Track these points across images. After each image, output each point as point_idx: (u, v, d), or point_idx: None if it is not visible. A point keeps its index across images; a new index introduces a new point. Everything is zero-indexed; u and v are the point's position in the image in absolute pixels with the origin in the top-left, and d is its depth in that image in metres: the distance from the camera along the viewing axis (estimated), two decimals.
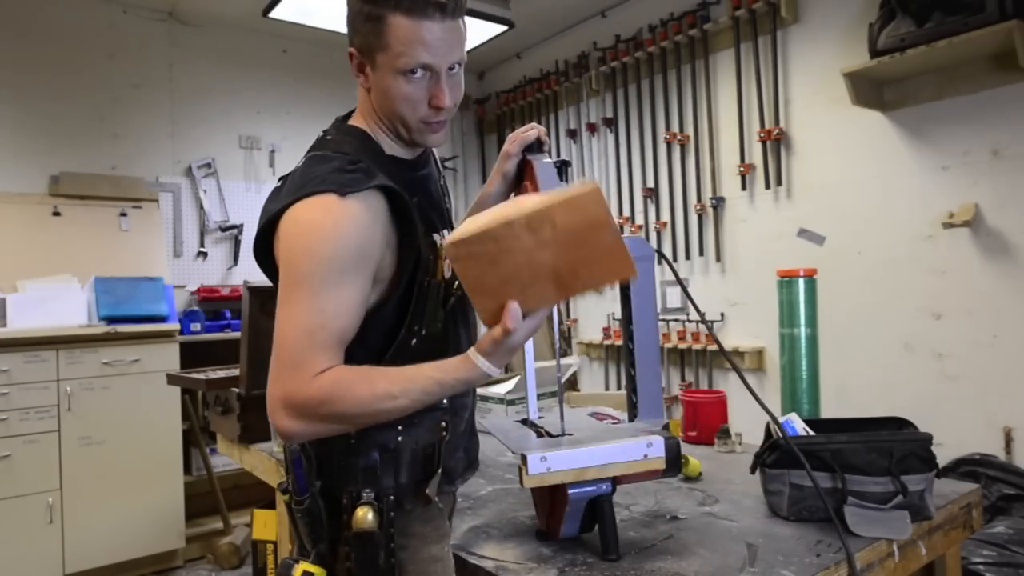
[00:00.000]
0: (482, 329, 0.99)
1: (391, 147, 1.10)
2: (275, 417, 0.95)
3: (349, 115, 1.15)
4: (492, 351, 0.94)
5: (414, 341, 1.05)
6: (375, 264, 1.00)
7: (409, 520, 1.05)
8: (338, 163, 1.00)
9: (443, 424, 1.09)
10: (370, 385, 0.94)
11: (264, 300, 2.09)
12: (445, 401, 1.09)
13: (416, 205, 1.04)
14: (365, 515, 1.00)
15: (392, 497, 1.03)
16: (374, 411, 0.95)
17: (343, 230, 0.95)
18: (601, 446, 1.13)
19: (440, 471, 1.07)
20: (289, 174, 1.07)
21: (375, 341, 1.03)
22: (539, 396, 1.48)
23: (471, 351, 0.96)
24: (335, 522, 1.03)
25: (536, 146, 1.26)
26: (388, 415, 0.96)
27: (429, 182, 1.16)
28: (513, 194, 1.33)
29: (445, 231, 1.12)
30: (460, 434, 1.16)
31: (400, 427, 1.05)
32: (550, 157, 1.24)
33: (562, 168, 1.24)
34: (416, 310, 1.04)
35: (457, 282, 1.07)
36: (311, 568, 1.02)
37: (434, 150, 1.23)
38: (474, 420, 1.24)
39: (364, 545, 1.00)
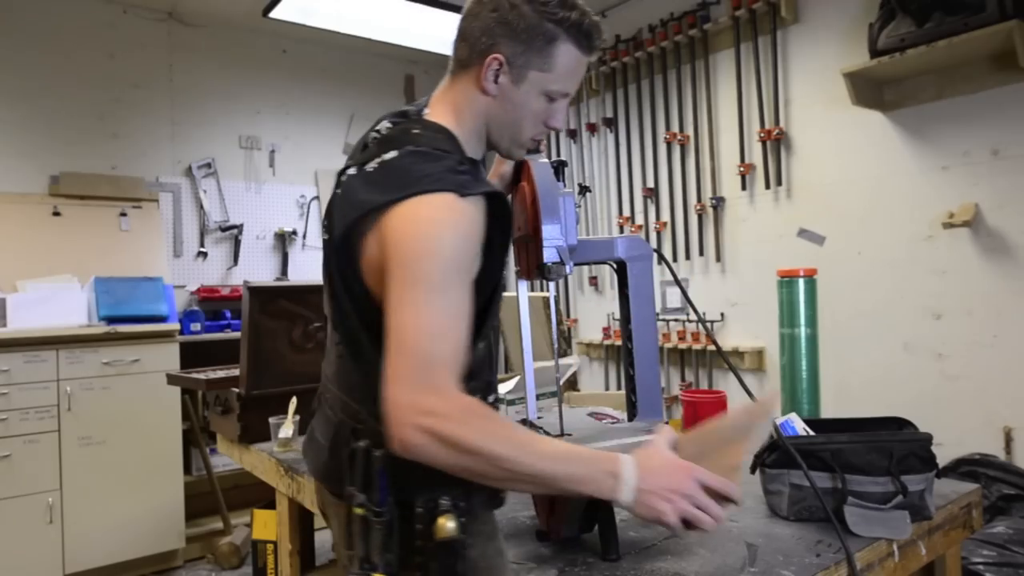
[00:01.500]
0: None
1: (468, 148, 1.07)
2: (401, 428, 0.84)
3: (418, 109, 1.10)
4: (655, 494, 0.89)
5: (483, 345, 1.02)
6: (478, 270, 0.97)
7: (476, 519, 1.02)
8: (448, 162, 0.97)
9: None
10: (513, 432, 0.87)
11: (264, 300, 2.09)
12: (491, 399, 1.07)
13: (509, 218, 1.03)
14: (446, 523, 0.94)
15: (463, 503, 0.98)
16: (515, 474, 0.86)
17: (465, 231, 0.92)
18: (600, 445, 1.12)
19: None
20: (373, 165, 1.00)
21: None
22: (538, 396, 1.48)
23: (626, 460, 0.89)
24: (407, 531, 0.97)
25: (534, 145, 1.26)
26: (514, 474, 0.86)
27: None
28: (510, 196, 1.33)
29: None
30: None
31: None
32: (547, 157, 1.24)
33: (559, 168, 1.24)
34: (488, 316, 1.01)
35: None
36: None
37: None
38: None
39: (446, 553, 0.95)
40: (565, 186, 1.22)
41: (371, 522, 0.95)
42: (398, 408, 0.84)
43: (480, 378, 1.03)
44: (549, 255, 1.15)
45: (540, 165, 1.20)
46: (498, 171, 1.30)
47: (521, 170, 1.27)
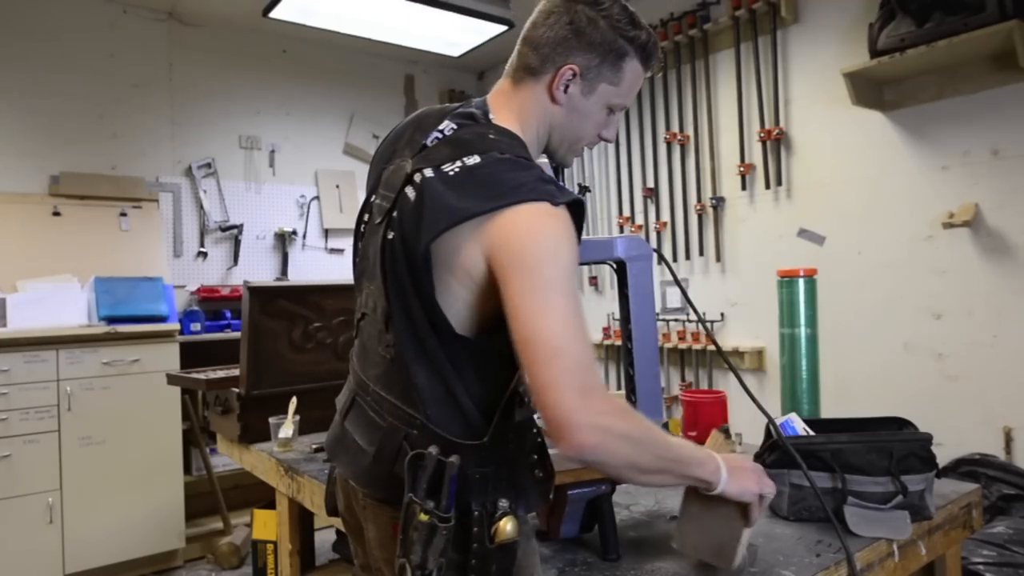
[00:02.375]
0: None
1: (532, 154, 1.09)
2: (579, 431, 0.85)
3: (483, 112, 1.10)
4: (739, 473, 1.04)
5: None
6: None
7: (522, 523, 1.02)
8: (536, 171, 0.99)
9: (535, 429, 1.05)
10: (651, 424, 0.94)
11: (264, 300, 2.09)
12: (527, 399, 1.06)
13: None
14: (506, 526, 0.95)
15: (515, 506, 0.99)
16: (662, 459, 0.94)
17: (572, 240, 0.94)
18: None
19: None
20: (454, 169, 0.99)
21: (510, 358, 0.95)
22: None
23: (717, 459, 1.03)
24: (465, 536, 0.97)
25: None
26: (642, 479, 0.95)
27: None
28: None
29: None
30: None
31: (511, 434, 1.01)
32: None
33: (558, 169, 1.24)
34: None
35: None
36: None
37: None
38: None
39: (504, 555, 0.96)
40: (566, 186, 1.22)
41: (437, 528, 0.94)
42: (572, 412, 0.85)
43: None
44: None
45: (540, 164, 1.20)
46: None
47: None
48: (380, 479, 1.04)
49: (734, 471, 1.03)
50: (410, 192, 1.01)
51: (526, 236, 0.92)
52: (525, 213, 0.93)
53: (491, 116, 1.09)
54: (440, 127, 1.08)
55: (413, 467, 0.96)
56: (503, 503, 0.96)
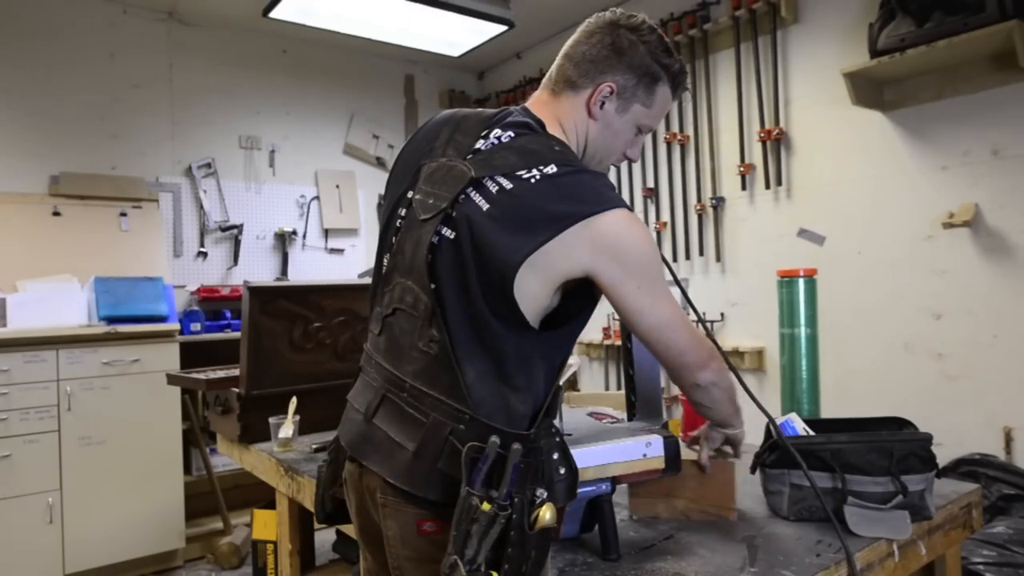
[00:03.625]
0: None
1: None
2: (703, 372, 1.12)
3: (537, 122, 1.13)
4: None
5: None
6: None
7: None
8: (607, 181, 1.08)
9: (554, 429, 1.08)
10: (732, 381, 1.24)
11: (264, 300, 2.09)
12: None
13: None
14: (545, 513, 0.97)
15: (548, 493, 1.01)
16: (731, 393, 1.23)
17: (654, 241, 1.14)
18: (600, 446, 1.13)
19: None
20: (534, 177, 1.03)
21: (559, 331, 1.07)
22: None
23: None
24: (506, 525, 0.97)
25: None
26: (725, 405, 1.23)
27: None
28: None
29: None
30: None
31: (543, 427, 1.04)
32: None
33: None
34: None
35: None
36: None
37: None
38: None
39: (543, 540, 0.98)
40: None
41: (497, 517, 0.95)
42: (702, 358, 1.11)
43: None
44: None
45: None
46: None
47: None
48: (421, 475, 1.03)
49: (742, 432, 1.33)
50: (479, 198, 1.03)
51: (630, 239, 1.02)
52: (618, 218, 1.02)
53: (545, 127, 1.13)
54: (494, 134, 1.11)
55: (470, 460, 0.96)
56: (540, 492, 0.98)
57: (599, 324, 4.10)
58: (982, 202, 2.61)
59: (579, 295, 1.05)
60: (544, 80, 1.20)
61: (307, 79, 4.46)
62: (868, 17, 2.77)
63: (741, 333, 3.43)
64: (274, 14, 3.38)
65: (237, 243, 4.17)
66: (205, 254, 4.10)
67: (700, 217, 3.60)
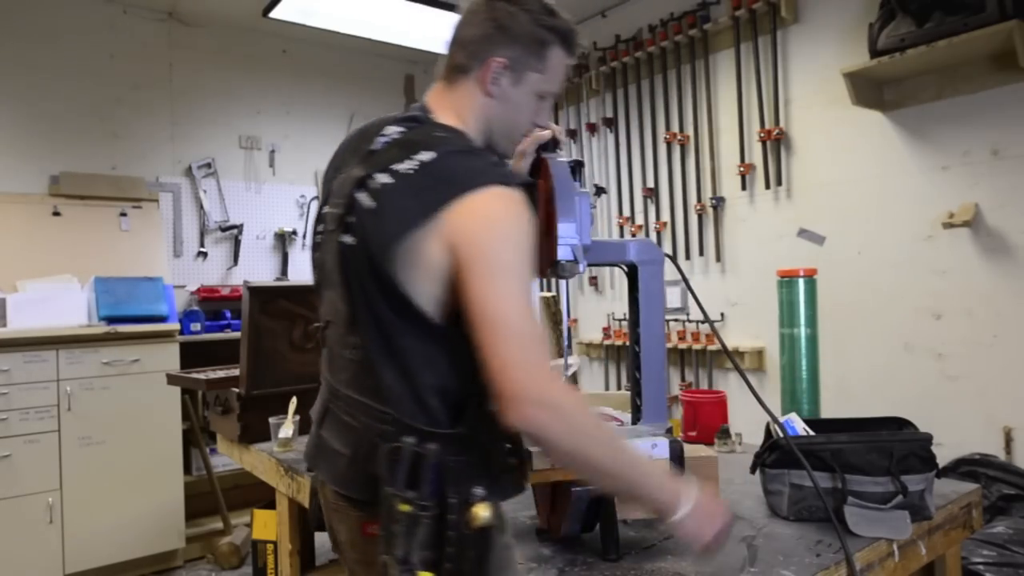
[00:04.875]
0: None
1: None
2: (524, 406, 0.90)
3: (424, 114, 1.13)
4: (699, 513, 0.99)
5: None
6: None
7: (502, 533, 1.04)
8: (488, 158, 1.04)
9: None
10: (610, 430, 0.99)
11: (264, 300, 2.09)
12: None
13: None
14: (481, 512, 0.97)
15: (490, 494, 1.00)
16: (614, 458, 0.95)
17: (525, 220, 0.99)
18: None
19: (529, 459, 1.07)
20: (411, 167, 1.01)
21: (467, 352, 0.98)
22: None
23: (688, 491, 0.99)
24: (441, 524, 0.98)
25: (551, 144, 1.27)
26: (608, 471, 0.96)
27: None
28: None
29: None
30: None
31: (490, 423, 1.02)
32: (565, 156, 1.25)
33: (576, 168, 1.24)
34: None
35: None
36: (429, 574, 0.97)
37: None
38: None
39: (480, 541, 0.97)
40: (582, 186, 1.23)
41: (419, 518, 0.96)
42: (526, 387, 0.90)
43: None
44: (564, 253, 1.15)
45: (558, 164, 1.20)
46: (516, 168, 1.32)
47: (538, 168, 1.27)
48: (357, 479, 1.05)
49: (699, 512, 1.00)
50: (364, 197, 1.02)
51: (483, 221, 0.96)
52: (481, 199, 0.97)
53: (433, 116, 1.12)
54: (386, 132, 1.10)
55: (390, 460, 0.97)
56: (478, 490, 0.97)
57: (599, 324, 4.10)
58: (982, 202, 2.61)
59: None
60: (438, 70, 1.18)
61: (307, 79, 4.46)
62: (868, 17, 2.77)
63: (741, 333, 3.43)
64: (274, 14, 3.38)
65: (237, 243, 4.17)
66: (205, 254, 4.10)
67: (700, 217, 3.60)
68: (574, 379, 4.12)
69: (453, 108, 1.13)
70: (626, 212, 4.00)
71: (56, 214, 3.56)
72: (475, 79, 1.11)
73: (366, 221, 1.01)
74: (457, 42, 1.14)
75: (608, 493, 1.01)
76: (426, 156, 1.01)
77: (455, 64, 1.13)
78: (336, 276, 1.06)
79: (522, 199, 0.99)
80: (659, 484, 0.99)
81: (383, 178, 1.02)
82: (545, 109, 1.18)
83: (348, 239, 1.04)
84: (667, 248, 3.74)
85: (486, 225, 0.96)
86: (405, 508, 0.95)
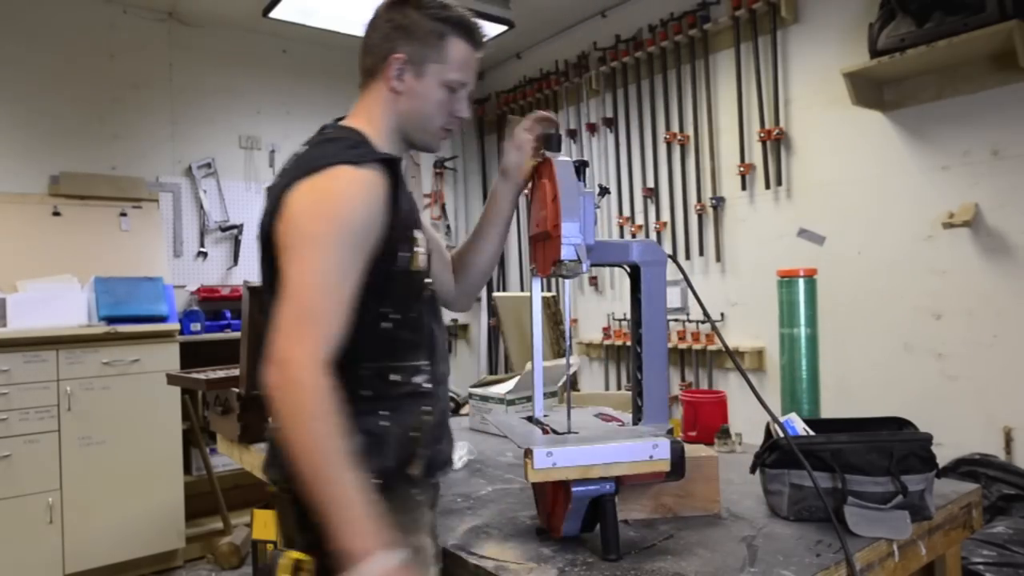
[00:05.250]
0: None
1: (385, 145, 1.17)
2: (268, 366, 0.95)
3: (333, 120, 1.24)
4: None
5: (387, 324, 1.10)
6: (378, 235, 1.06)
7: (389, 512, 1.00)
8: (345, 143, 1.10)
9: (426, 409, 1.13)
10: (331, 436, 0.93)
11: (264, 300, 2.09)
12: (428, 385, 1.13)
13: (404, 191, 1.13)
14: None
15: (379, 481, 1.01)
16: (308, 448, 0.93)
17: (360, 195, 1.02)
18: (607, 445, 1.13)
19: (427, 452, 1.10)
20: (289, 163, 1.14)
21: (354, 317, 1.03)
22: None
23: (382, 553, 0.92)
24: (299, 504, 1.00)
25: (555, 143, 1.28)
26: (305, 464, 0.93)
27: (407, 183, 1.22)
28: (526, 193, 1.36)
29: (418, 232, 1.17)
30: (439, 424, 1.19)
31: (384, 412, 1.08)
32: (568, 156, 1.25)
33: (580, 169, 1.24)
34: (389, 290, 1.09)
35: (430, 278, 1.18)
36: (299, 556, 1.00)
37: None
38: (447, 418, 1.26)
39: None
40: (586, 186, 1.23)
41: (281, 497, 1.02)
42: (274, 348, 0.95)
43: (405, 359, 1.10)
44: (567, 252, 1.16)
45: (562, 163, 1.21)
46: (507, 167, 1.35)
47: (541, 167, 1.28)
48: (268, 464, 1.14)
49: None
50: (264, 205, 1.14)
51: (306, 198, 1.03)
52: (318, 178, 1.03)
53: (342, 123, 1.20)
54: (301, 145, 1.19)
55: (269, 445, 1.07)
56: None
57: (599, 324, 4.10)
58: (982, 202, 2.61)
59: None
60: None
61: (307, 79, 4.46)
62: (868, 17, 2.77)
63: (741, 333, 3.43)
64: (274, 14, 3.37)
65: (237, 243, 4.17)
66: (205, 254, 4.10)
67: (700, 217, 3.60)
68: (573, 380, 4.12)
69: (364, 110, 1.20)
70: (626, 212, 4.00)
71: (56, 214, 3.56)
72: (381, 79, 1.18)
73: (262, 222, 1.12)
74: (363, 50, 1.21)
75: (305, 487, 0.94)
76: (302, 149, 1.14)
77: (364, 69, 1.21)
78: (265, 286, 1.17)
79: (366, 175, 1.04)
80: (353, 523, 0.91)
81: (274, 182, 1.14)
82: (461, 100, 1.22)
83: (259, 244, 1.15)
84: (667, 248, 3.74)
85: (308, 200, 1.02)
86: (271, 488, 1.03)
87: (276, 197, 1.07)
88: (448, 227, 5.13)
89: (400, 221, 1.09)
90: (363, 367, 1.07)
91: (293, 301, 0.97)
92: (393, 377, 1.09)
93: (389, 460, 1.07)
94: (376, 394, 1.08)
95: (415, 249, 1.12)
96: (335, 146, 1.09)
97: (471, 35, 1.20)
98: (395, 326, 1.10)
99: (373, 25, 1.20)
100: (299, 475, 0.94)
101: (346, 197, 1.02)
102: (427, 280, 1.17)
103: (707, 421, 1.94)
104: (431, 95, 1.18)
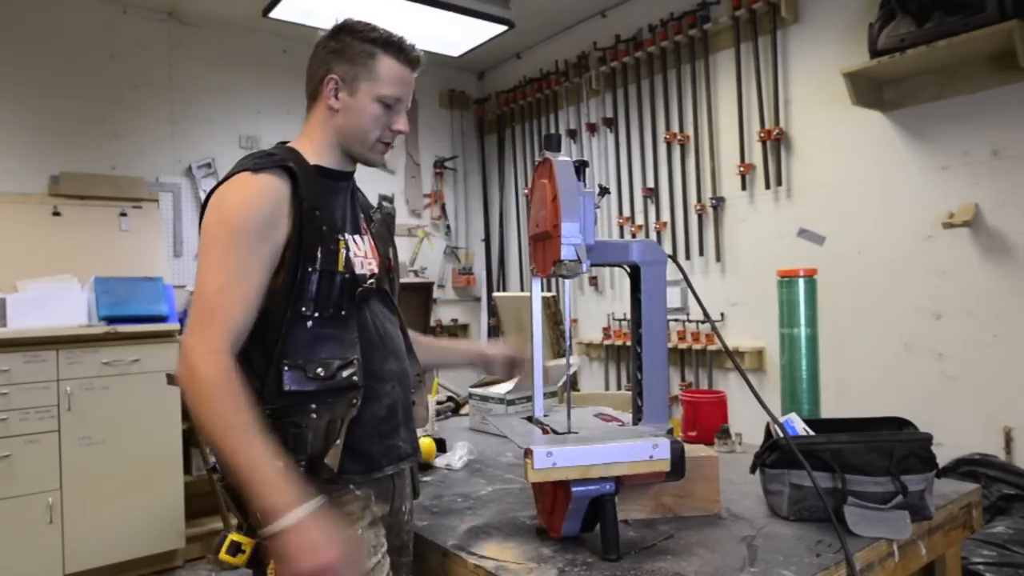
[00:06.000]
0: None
1: (320, 159, 1.25)
2: (180, 358, 1.05)
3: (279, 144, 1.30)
4: (301, 536, 1.00)
5: (309, 323, 1.16)
6: (281, 236, 1.14)
7: (325, 505, 1.07)
8: (257, 155, 1.20)
9: (353, 402, 1.16)
10: (233, 411, 1.03)
11: None
12: (357, 378, 1.17)
13: (319, 196, 1.19)
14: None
15: (303, 468, 1.10)
16: (214, 424, 1.03)
17: (254, 198, 1.12)
18: (607, 445, 1.13)
19: (340, 444, 1.13)
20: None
21: (274, 316, 1.14)
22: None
23: (297, 506, 1.00)
24: (231, 490, 1.10)
25: (555, 143, 1.28)
26: (216, 440, 1.03)
27: (347, 194, 1.31)
28: (525, 192, 1.38)
29: (353, 236, 1.26)
30: (380, 419, 1.22)
31: (314, 405, 1.13)
32: (568, 157, 1.25)
33: (580, 169, 1.24)
34: (305, 291, 1.15)
35: (372, 277, 1.26)
36: (238, 538, 1.09)
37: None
38: (407, 414, 1.30)
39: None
40: (586, 186, 1.23)
41: (215, 482, 1.08)
42: (182, 346, 1.07)
43: (331, 355, 1.15)
44: (567, 252, 1.16)
45: (562, 163, 1.21)
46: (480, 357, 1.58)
47: (542, 166, 1.28)
48: None
49: (302, 536, 0.98)
50: None
51: (210, 209, 1.15)
52: (223, 188, 1.15)
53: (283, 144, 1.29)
54: None
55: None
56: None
57: (599, 324, 4.11)
58: (982, 202, 2.61)
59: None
60: None
61: None
62: (868, 17, 2.77)
63: (741, 333, 3.43)
64: (274, 14, 3.37)
65: None
66: None
67: (700, 217, 3.60)
68: (573, 379, 4.12)
69: (306, 131, 1.28)
70: (626, 212, 4.00)
71: (56, 214, 3.56)
72: (320, 100, 1.26)
73: None
74: (307, 77, 1.30)
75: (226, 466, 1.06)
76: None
77: (307, 94, 1.29)
78: None
79: (262, 179, 1.14)
80: (264, 483, 1.00)
81: None
82: (398, 114, 1.28)
83: None
84: (667, 248, 3.74)
85: (212, 208, 1.14)
86: (215, 477, 1.15)
87: (202, 206, 1.19)
88: (448, 227, 5.13)
89: (312, 222, 1.16)
90: (287, 362, 1.14)
91: (196, 302, 1.10)
92: (318, 371, 1.14)
93: (309, 449, 1.12)
94: (300, 388, 1.13)
95: (340, 250, 1.19)
96: (248, 159, 1.19)
97: (401, 52, 1.26)
98: (315, 324, 1.16)
99: (313, 55, 1.29)
100: (217, 454, 1.05)
101: (240, 199, 1.12)
102: (367, 280, 1.24)
103: (707, 421, 1.94)
104: (366, 109, 1.25)
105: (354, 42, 1.25)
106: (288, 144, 1.27)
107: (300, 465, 1.10)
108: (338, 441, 1.13)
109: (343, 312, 1.18)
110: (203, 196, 4.04)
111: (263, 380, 1.13)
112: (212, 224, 1.13)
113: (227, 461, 1.02)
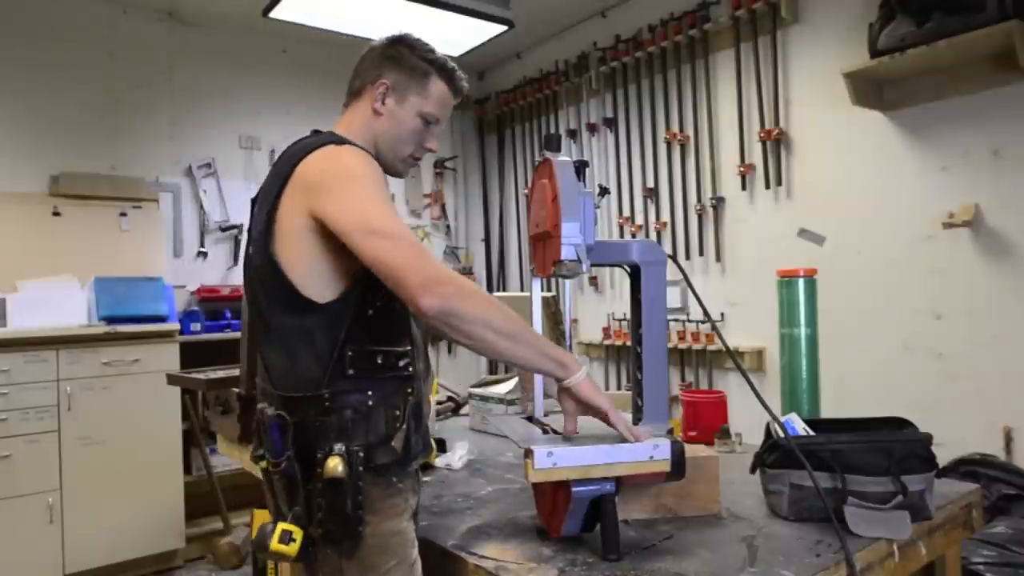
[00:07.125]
0: None
1: None
2: (434, 286, 1.01)
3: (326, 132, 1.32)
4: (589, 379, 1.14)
5: (371, 311, 1.16)
6: None
7: (370, 498, 1.11)
8: (336, 136, 1.23)
9: (409, 390, 1.19)
10: (509, 311, 1.08)
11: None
12: (413, 368, 1.20)
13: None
14: (336, 464, 1.07)
15: (361, 453, 1.11)
16: (501, 327, 1.05)
17: (376, 167, 1.17)
18: (607, 445, 1.13)
19: (406, 427, 1.16)
20: (282, 158, 1.25)
21: (348, 300, 1.14)
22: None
23: (580, 367, 1.13)
24: (309, 482, 1.10)
25: (555, 143, 1.28)
26: (499, 341, 1.06)
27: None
28: (525, 192, 1.38)
29: None
30: (418, 414, 1.23)
31: (371, 392, 1.14)
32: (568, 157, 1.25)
33: (580, 169, 1.24)
34: (379, 279, 1.12)
35: None
36: (289, 527, 1.08)
37: None
38: (427, 411, 1.31)
39: (334, 492, 1.07)
40: (586, 186, 1.23)
41: (270, 474, 1.12)
42: (428, 276, 1.02)
43: (389, 344, 1.17)
44: (567, 252, 1.16)
45: (562, 163, 1.21)
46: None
47: (542, 168, 1.28)
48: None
49: (589, 379, 1.14)
50: (254, 211, 1.27)
51: (325, 157, 1.15)
52: (322, 151, 1.16)
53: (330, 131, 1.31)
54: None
55: (257, 426, 1.16)
56: (338, 447, 1.09)
57: (599, 324, 4.11)
58: (982, 202, 2.61)
59: (342, 254, 1.11)
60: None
61: (307, 79, 4.46)
62: (868, 17, 2.77)
63: (741, 333, 3.43)
64: (274, 14, 3.37)
65: (237, 243, 4.17)
66: (205, 254, 4.10)
67: (700, 217, 3.60)
68: None
69: (344, 125, 1.31)
70: (626, 212, 4.00)
71: (56, 214, 3.56)
72: (366, 99, 1.30)
73: (252, 223, 1.26)
74: (353, 74, 1.34)
75: (512, 362, 1.11)
76: (290, 148, 1.25)
77: (351, 91, 1.34)
78: (246, 289, 1.28)
79: (369, 156, 1.18)
80: (560, 356, 1.12)
81: (264, 182, 1.26)
82: (433, 133, 1.33)
83: (250, 249, 1.24)
84: (667, 248, 3.74)
85: (328, 159, 1.14)
86: (263, 466, 1.12)
87: (284, 176, 1.17)
88: (448, 227, 5.13)
89: None
90: (349, 348, 1.14)
91: (404, 239, 1.05)
92: (378, 360, 1.16)
93: (372, 435, 1.13)
94: (361, 374, 1.14)
95: None
96: (325, 135, 1.21)
97: (452, 80, 1.34)
98: (378, 313, 1.16)
99: (366, 56, 1.33)
100: (502, 349, 1.07)
101: (366, 161, 1.16)
102: None
103: (707, 421, 1.94)
104: (407, 122, 1.29)
105: (412, 56, 1.30)
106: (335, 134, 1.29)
107: (362, 448, 1.11)
108: (403, 426, 1.16)
109: (399, 305, 1.18)
110: (203, 196, 4.05)
111: (325, 364, 1.13)
112: (349, 165, 1.13)
113: (522, 349, 1.08)
